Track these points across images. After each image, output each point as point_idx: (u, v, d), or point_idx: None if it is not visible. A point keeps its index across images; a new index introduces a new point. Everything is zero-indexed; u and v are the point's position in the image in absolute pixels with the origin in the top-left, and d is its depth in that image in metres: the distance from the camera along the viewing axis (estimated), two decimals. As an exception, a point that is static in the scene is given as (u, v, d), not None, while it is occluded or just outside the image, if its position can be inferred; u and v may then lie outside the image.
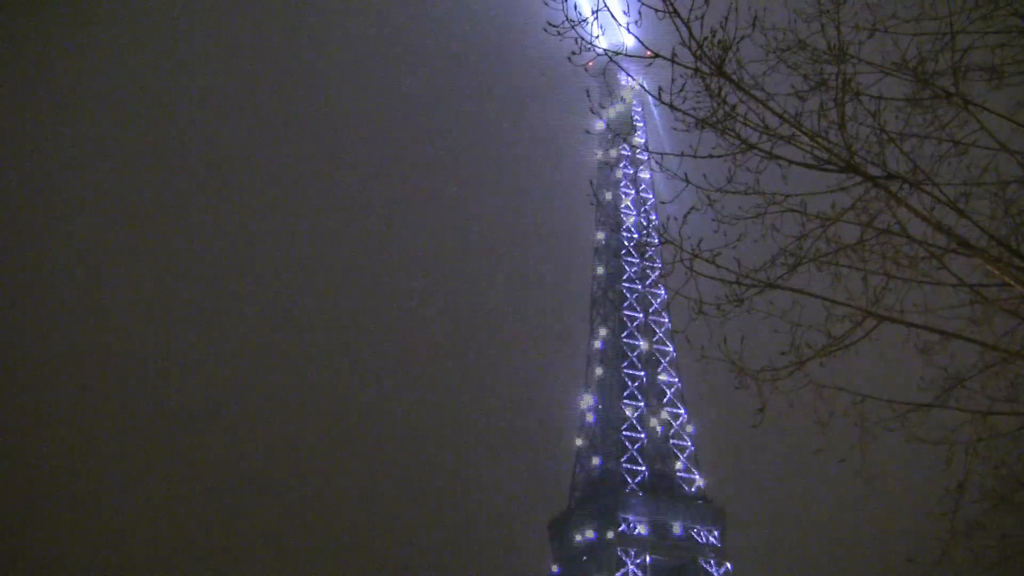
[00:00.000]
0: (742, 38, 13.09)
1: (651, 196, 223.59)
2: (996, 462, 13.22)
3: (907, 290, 13.04)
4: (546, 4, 13.74)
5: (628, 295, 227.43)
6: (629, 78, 15.66)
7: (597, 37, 14.29)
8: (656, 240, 14.10)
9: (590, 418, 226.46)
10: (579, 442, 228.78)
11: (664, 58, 13.27)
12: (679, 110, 13.32)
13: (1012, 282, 12.49)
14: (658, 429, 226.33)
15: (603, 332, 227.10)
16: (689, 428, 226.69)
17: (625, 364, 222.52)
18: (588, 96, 16.93)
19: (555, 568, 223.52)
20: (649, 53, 13.81)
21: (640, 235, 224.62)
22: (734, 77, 13.03)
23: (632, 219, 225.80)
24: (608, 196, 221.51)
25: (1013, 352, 12.71)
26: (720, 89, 13.03)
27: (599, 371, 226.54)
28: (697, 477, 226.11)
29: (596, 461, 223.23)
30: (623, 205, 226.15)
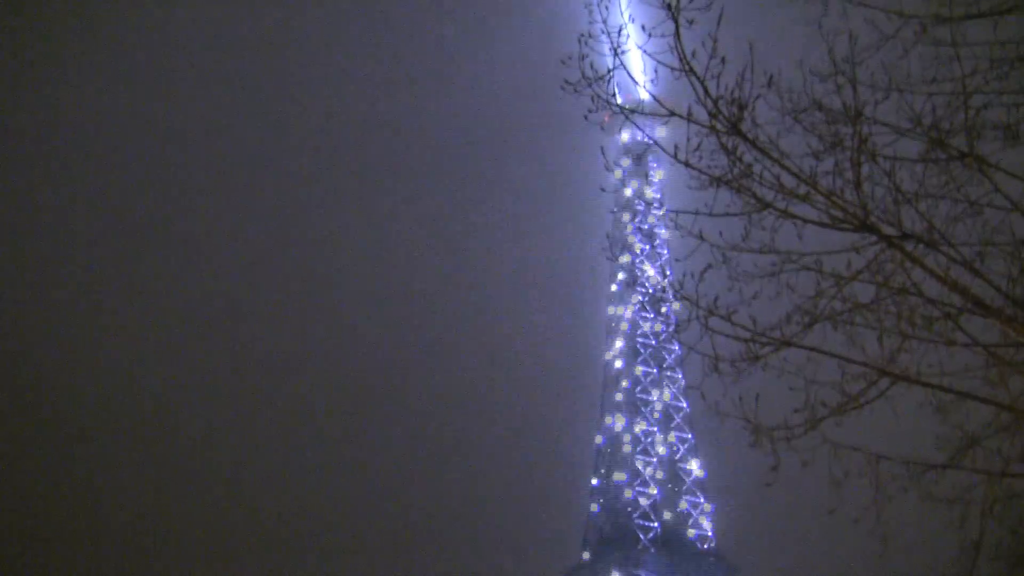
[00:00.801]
0: (758, 97, 13.18)
1: (666, 252, 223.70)
2: (1012, 523, 13.16)
3: (922, 350, 13.04)
4: (563, 63, 13.87)
5: (642, 350, 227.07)
6: (645, 136, 15.76)
7: (613, 95, 14.40)
8: (671, 296, 14.14)
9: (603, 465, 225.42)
10: (593, 482, 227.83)
11: (680, 116, 13.36)
12: (695, 168, 13.39)
13: (1027, 342, 12.48)
14: (671, 485, 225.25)
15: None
16: (702, 484, 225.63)
17: (638, 419, 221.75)
18: (603, 153, 17.05)
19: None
20: (665, 111, 13.89)
21: (655, 290, 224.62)
22: (749, 136, 13.10)
23: (647, 275, 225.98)
24: (623, 252, 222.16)
25: (1027, 413, 12.68)
26: (736, 148, 13.10)
27: (612, 421, 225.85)
28: (710, 534, 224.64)
29: (608, 517, 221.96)
30: (638, 261, 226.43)
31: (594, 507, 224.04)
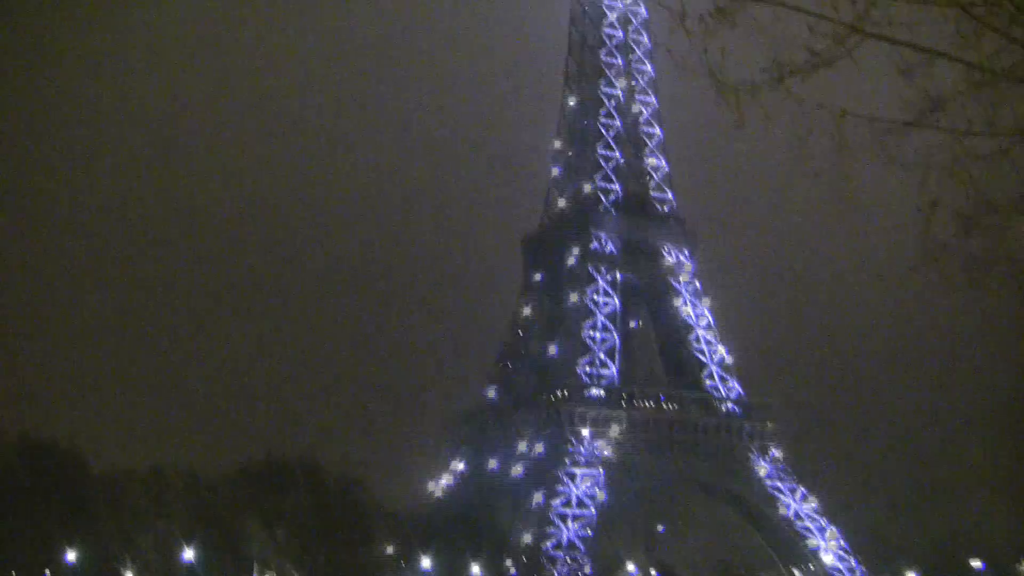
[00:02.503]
0: None
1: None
2: (970, 184, 13.21)
3: (894, 8, 12.75)
4: None
5: (607, 11, 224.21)
6: None
7: None
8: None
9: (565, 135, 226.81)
10: (556, 144, 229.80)
11: None
12: None
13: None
14: (633, 149, 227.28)
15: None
16: (664, 147, 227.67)
17: (603, 82, 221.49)
18: None
19: (525, 285, 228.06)
20: None
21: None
22: None
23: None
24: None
25: (998, 72, 12.55)
26: None
27: (575, 98, 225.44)
28: (671, 197, 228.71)
29: (570, 181, 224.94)
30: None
31: (555, 170, 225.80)
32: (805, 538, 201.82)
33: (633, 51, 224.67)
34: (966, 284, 13.24)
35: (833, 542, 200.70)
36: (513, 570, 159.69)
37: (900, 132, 12.95)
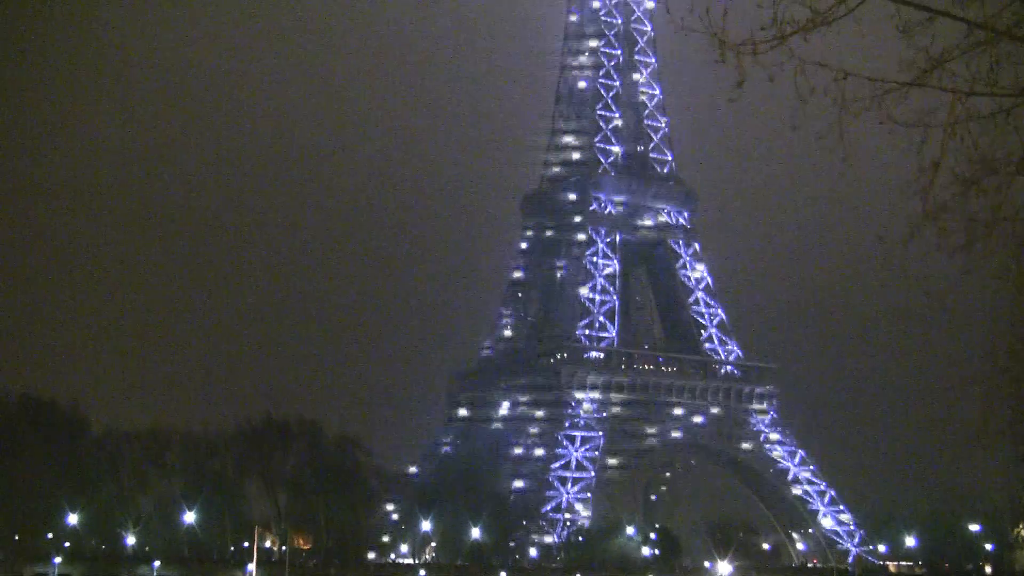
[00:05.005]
0: None
1: None
2: (970, 144, 13.15)
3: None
4: None
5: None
6: None
7: None
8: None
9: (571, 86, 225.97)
10: (556, 105, 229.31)
11: None
12: None
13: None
14: (633, 110, 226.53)
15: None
16: (663, 106, 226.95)
17: (602, 42, 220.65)
18: None
19: (524, 245, 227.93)
20: None
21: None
22: None
23: None
24: None
25: (1000, 31, 12.46)
26: None
27: (574, 59, 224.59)
28: (670, 158, 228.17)
29: (570, 141, 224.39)
30: None
31: (554, 131, 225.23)
32: (804, 501, 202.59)
33: (633, 11, 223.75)
34: (966, 245, 13.19)
35: (831, 506, 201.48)
36: (513, 533, 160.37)
37: (901, 92, 12.86)
